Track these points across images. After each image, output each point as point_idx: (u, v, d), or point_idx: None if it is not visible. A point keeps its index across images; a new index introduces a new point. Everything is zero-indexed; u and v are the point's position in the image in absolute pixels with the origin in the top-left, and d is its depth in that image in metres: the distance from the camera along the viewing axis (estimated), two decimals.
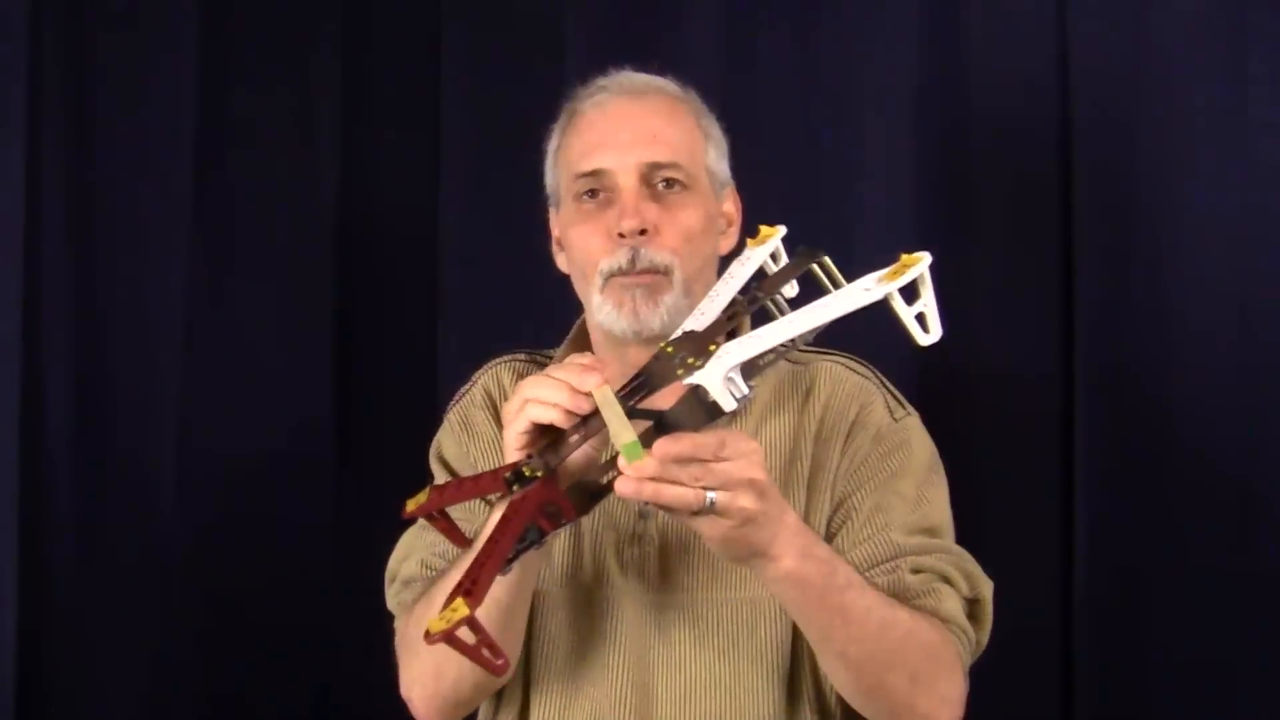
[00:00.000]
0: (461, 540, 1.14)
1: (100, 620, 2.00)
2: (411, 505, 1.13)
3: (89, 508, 2.00)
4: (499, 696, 1.36)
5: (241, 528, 2.06)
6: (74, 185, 2.00)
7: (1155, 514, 1.80)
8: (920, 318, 1.06)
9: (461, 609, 0.97)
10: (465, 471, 1.37)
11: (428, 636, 0.97)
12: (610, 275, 1.29)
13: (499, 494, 1.10)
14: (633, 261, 1.29)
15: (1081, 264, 1.83)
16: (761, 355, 1.07)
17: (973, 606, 1.28)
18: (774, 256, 1.21)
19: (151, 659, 2.01)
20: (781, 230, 1.19)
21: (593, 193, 1.33)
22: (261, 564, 2.05)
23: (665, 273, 1.29)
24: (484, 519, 1.19)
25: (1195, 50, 1.78)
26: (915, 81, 1.88)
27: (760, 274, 1.21)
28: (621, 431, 1.04)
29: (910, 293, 1.05)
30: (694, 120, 1.37)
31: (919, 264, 1.05)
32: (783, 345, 1.07)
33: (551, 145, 1.40)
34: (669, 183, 1.32)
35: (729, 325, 1.14)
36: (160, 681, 2.02)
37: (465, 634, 0.97)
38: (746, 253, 1.20)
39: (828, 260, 1.15)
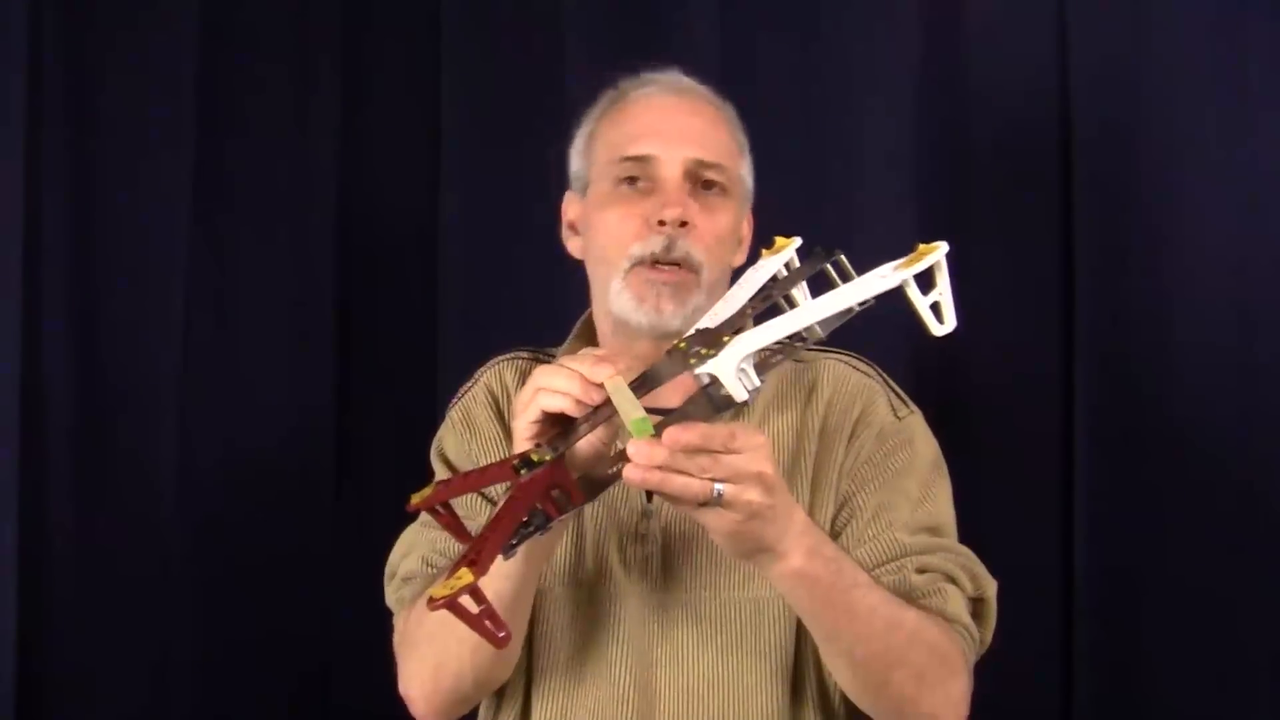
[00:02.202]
0: (465, 536, 1.14)
1: (100, 620, 1.99)
2: (416, 499, 1.12)
3: (89, 508, 2.00)
4: (500, 695, 1.35)
5: (241, 528, 2.06)
6: (74, 183, 2.00)
7: (1155, 513, 1.80)
8: (935, 307, 1.06)
9: (466, 576, 0.97)
10: (465, 467, 1.37)
11: (431, 602, 0.97)
12: (639, 261, 1.29)
13: (506, 483, 1.10)
14: (668, 250, 1.28)
15: (1081, 264, 1.83)
16: (776, 346, 1.07)
17: (977, 606, 1.28)
18: (788, 266, 1.20)
19: (151, 659, 2.01)
20: (796, 241, 1.18)
21: (632, 180, 1.32)
22: (261, 564, 2.05)
23: (696, 270, 1.29)
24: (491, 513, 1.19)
25: (1196, 49, 1.78)
26: (915, 80, 1.89)
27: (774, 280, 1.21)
28: (632, 410, 1.04)
29: (926, 282, 1.05)
30: (733, 131, 1.38)
31: (935, 252, 1.05)
32: (798, 336, 1.07)
33: (584, 130, 1.40)
34: (709, 184, 1.32)
35: (741, 322, 1.13)
36: (160, 681, 2.02)
37: (468, 603, 0.97)
38: (761, 261, 1.19)
39: (844, 260, 1.13)
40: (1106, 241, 1.82)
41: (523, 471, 1.07)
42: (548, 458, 1.08)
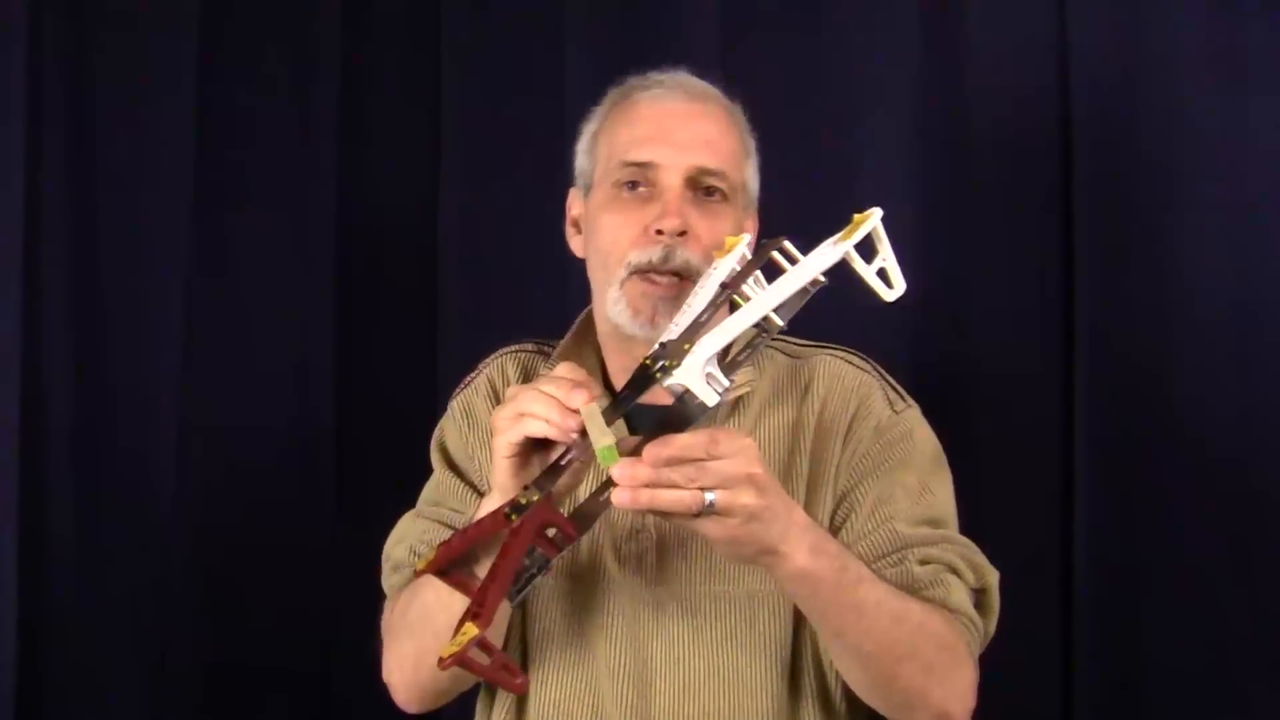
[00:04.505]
0: (472, 593, 1.15)
1: (100, 619, 2.00)
2: (421, 565, 1.15)
3: (89, 508, 2.00)
4: (494, 690, 1.36)
5: (241, 527, 2.06)
6: (74, 185, 2.01)
7: (1155, 513, 1.80)
8: (882, 274, 1.06)
9: (471, 631, 0.99)
10: (463, 461, 1.39)
11: (441, 663, 0.99)
12: (636, 270, 1.28)
13: (503, 531, 1.11)
14: (665, 259, 1.28)
15: (1081, 264, 1.83)
16: (738, 343, 1.06)
17: (979, 596, 1.28)
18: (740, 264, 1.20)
19: (151, 657, 2.01)
20: (746, 238, 1.17)
21: (633, 184, 1.31)
22: (261, 563, 2.06)
23: (693, 278, 1.26)
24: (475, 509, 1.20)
25: (1196, 47, 1.78)
26: (915, 82, 1.89)
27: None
28: (600, 437, 1.04)
29: (869, 252, 1.05)
30: (740, 134, 1.37)
31: (870, 219, 1.05)
32: (757, 329, 1.07)
33: (590, 127, 1.39)
34: (710, 190, 1.31)
35: (700, 328, 1.12)
36: (160, 680, 2.02)
37: (478, 655, 0.99)
38: (715, 263, 1.18)
39: (788, 245, 1.12)
40: (1106, 240, 1.82)
41: (513, 517, 1.08)
42: (535, 498, 1.09)
